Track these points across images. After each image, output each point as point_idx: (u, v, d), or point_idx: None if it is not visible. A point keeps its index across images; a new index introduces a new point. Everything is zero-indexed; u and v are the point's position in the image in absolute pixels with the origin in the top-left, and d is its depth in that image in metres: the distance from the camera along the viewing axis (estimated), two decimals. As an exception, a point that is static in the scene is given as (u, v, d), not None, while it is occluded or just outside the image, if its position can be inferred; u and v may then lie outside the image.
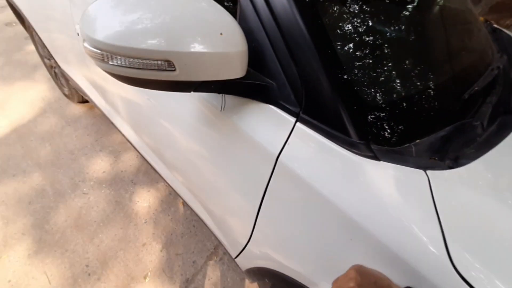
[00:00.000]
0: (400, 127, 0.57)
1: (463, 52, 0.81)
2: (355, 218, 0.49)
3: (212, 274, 1.33)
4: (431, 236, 0.46)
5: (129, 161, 1.76)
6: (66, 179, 1.62)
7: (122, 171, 1.71)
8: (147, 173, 1.70)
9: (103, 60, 0.45)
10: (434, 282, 0.45)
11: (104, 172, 1.69)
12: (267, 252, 0.73)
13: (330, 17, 0.57)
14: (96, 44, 0.44)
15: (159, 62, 0.45)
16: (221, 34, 0.46)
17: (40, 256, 1.30)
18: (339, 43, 0.56)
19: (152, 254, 1.36)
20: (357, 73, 0.56)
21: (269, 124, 0.58)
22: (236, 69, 0.51)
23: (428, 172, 0.50)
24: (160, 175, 1.25)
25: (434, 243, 0.45)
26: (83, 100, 2.01)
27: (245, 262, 0.92)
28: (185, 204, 1.57)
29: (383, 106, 0.57)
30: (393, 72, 0.60)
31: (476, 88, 0.72)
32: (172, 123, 0.86)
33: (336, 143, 0.52)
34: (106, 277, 1.27)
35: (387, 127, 0.56)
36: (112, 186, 1.62)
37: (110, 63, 0.45)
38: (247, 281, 1.32)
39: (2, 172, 1.61)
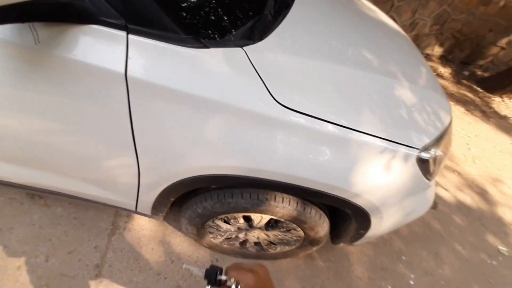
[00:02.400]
0: (218, 25, 0.71)
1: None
2: (207, 97, 0.63)
3: (124, 244, 1.28)
4: (257, 89, 0.66)
5: None
6: None
7: None
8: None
9: None
10: (267, 114, 0.67)
11: None
12: (158, 175, 0.80)
13: None
14: None
15: None
16: None
17: None
18: None
19: (36, 270, 1.14)
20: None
21: (101, 45, 0.57)
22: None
23: (244, 48, 0.68)
24: (6, 183, 0.97)
25: (260, 91, 0.66)
26: None
27: (146, 204, 0.96)
28: (48, 204, 1.32)
29: (203, 9, 0.68)
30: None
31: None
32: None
33: (170, 43, 0.60)
34: (-18, 327, 0.98)
35: (208, 26, 0.69)
36: None
37: None
38: (160, 228, 1.37)
39: None
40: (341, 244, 1.21)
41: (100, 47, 0.57)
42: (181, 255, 1.32)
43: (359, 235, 1.04)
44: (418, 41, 3.40)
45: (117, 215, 1.37)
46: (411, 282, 1.48)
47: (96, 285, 1.15)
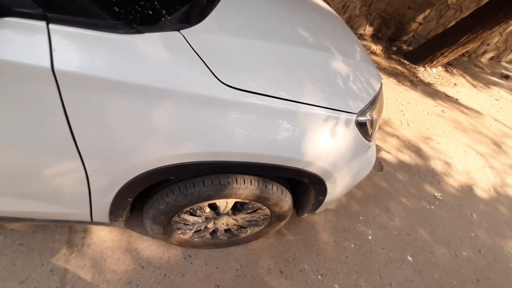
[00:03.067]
0: (151, 10, 0.69)
1: None
2: (149, 84, 0.61)
3: (84, 261, 1.19)
4: (200, 71, 0.66)
5: None
6: None
7: None
8: None
9: None
10: (213, 96, 0.68)
11: None
12: (110, 176, 0.76)
13: None
14: None
15: None
16: None
17: None
18: None
19: (-19, 310, 1.00)
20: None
21: (19, 39, 0.52)
22: None
23: (181, 31, 0.67)
24: None
25: (203, 73, 0.66)
26: None
27: (102, 211, 0.90)
28: (-14, 234, 1.15)
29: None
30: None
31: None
32: None
33: (99, 30, 0.57)
34: None
35: (140, 11, 0.66)
36: None
37: None
38: (124, 237, 1.30)
39: None
40: (305, 215, 1.30)
41: (18, 42, 0.51)
42: (151, 259, 1.28)
43: (318, 202, 1.13)
44: (351, 22, 3.68)
45: (71, 232, 1.26)
46: (370, 237, 1.66)
47: (59, 309, 1.06)
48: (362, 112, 0.91)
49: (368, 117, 0.94)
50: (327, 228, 1.63)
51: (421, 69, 3.82)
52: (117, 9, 0.60)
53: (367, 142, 0.98)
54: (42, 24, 0.53)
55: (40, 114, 0.59)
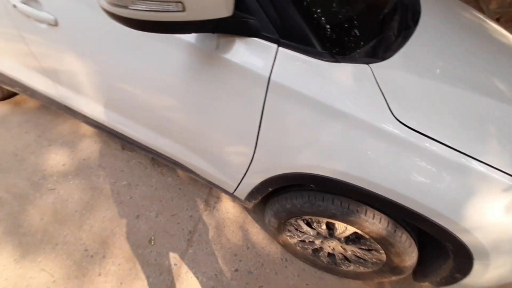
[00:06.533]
0: (348, 42, 0.80)
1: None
2: (331, 104, 0.71)
3: (211, 220, 1.49)
4: (378, 103, 0.71)
5: (88, 148, 1.68)
6: (22, 181, 1.48)
7: (84, 159, 1.63)
8: (113, 155, 1.67)
9: (125, 7, 0.52)
10: (383, 128, 0.71)
11: (64, 164, 1.59)
12: (267, 166, 0.92)
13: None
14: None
15: (172, 5, 0.54)
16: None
17: (29, 257, 1.24)
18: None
19: (148, 222, 1.43)
20: (316, 10, 0.75)
21: (257, 53, 0.73)
22: (228, 8, 0.63)
23: (370, 65, 0.74)
24: (137, 143, 1.30)
25: (380, 106, 0.71)
26: (3, 97, 1.76)
27: (244, 189, 1.11)
28: (163, 173, 1.64)
29: (337, 28, 0.78)
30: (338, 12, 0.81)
31: (386, 11, 0.99)
32: (156, 79, 0.91)
33: (309, 56, 0.71)
34: (111, 253, 1.31)
35: (340, 43, 0.78)
36: (80, 176, 1.56)
37: (130, 7, 0.52)
38: (242, 216, 1.53)
39: None
40: (426, 284, 1.11)
41: (256, 55, 0.73)
42: (255, 245, 1.44)
43: (453, 278, 0.94)
44: None
45: (209, 194, 1.59)
46: None
47: (187, 248, 1.38)
48: None
49: None
50: (445, 313, 1.32)
51: None
52: (324, 40, 0.74)
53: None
54: (274, 46, 0.72)
55: (246, 105, 0.81)
